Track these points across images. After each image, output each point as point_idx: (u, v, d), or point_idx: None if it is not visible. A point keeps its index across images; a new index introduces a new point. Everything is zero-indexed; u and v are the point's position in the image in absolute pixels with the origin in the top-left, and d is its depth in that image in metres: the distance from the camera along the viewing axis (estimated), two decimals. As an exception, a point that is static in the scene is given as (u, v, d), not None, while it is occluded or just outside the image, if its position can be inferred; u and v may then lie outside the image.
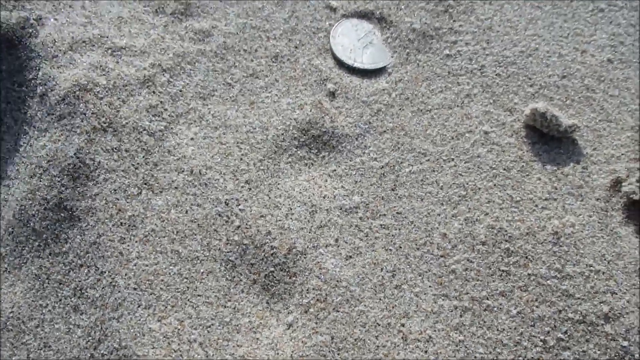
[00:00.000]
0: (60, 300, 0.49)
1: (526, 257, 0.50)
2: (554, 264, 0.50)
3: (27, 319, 0.49)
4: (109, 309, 0.47)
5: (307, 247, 0.50)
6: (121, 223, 0.50)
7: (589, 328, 0.48)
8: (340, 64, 0.62)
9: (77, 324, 0.48)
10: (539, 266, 0.50)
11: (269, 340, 0.47)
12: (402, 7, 0.66)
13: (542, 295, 0.49)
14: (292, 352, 0.47)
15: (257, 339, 0.47)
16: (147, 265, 0.48)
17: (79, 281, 0.49)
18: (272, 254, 0.49)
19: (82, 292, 0.49)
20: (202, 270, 0.49)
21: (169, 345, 0.46)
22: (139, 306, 0.47)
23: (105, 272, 0.49)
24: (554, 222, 0.51)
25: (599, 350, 0.47)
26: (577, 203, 0.53)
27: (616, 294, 0.49)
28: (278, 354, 0.47)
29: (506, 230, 0.51)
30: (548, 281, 0.49)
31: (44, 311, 0.50)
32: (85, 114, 0.53)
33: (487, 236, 0.51)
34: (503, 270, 0.50)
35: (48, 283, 0.50)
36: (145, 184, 0.52)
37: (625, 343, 0.48)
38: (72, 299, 0.49)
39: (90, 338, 0.47)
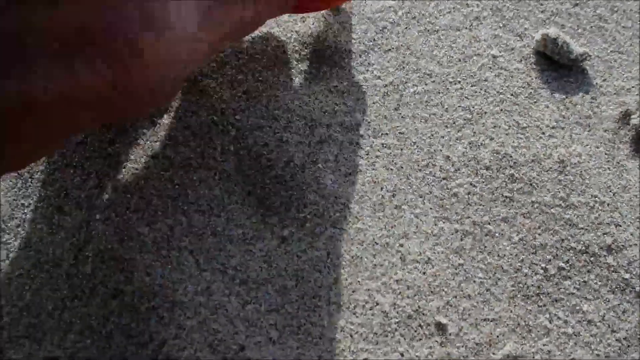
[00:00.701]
0: (43, 200, 0.47)
1: (530, 184, 0.48)
2: (558, 192, 0.48)
3: (7, 218, 0.47)
4: (95, 211, 0.44)
5: (306, 161, 0.48)
6: (111, 124, 0.48)
7: (591, 259, 0.47)
8: (345, -22, 0.59)
9: (61, 224, 0.45)
10: (543, 194, 0.48)
11: (263, 253, 0.45)
12: None
13: (545, 224, 0.47)
14: (287, 265, 0.45)
15: (251, 251, 0.45)
16: (137, 170, 0.46)
17: (64, 181, 0.47)
18: (268, 167, 0.47)
19: (67, 193, 0.46)
20: (194, 178, 0.46)
21: (158, 251, 0.44)
22: (127, 209, 0.44)
23: (92, 174, 0.46)
24: (560, 150, 0.50)
25: (600, 281, 0.46)
26: (584, 133, 0.51)
27: (620, 226, 0.48)
28: (272, 267, 0.45)
29: (511, 156, 0.49)
30: (552, 209, 0.48)
31: (25, 211, 0.47)
32: None
33: (492, 161, 0.49)
34: (506, 196, 0.48)
35: (31, 182, 0.47)
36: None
37: (627, 275, 0.47)
38: (56, 199, 0.46)
39: (74, 239, 0.44)
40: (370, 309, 0.45)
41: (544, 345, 0.45)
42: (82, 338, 0.43)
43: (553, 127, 0.50)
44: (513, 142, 0.49)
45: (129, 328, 0.43)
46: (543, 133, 0.50)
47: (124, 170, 0.45)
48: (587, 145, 0.50)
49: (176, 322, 0.42)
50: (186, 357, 0.42)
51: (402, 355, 0.44)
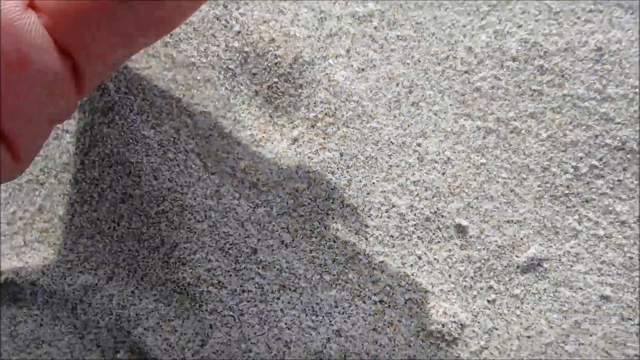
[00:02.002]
0: (45, 104, 0.46)
1: (562, 76, 0.44)
2: (593, 84, 0.44)
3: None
4: (98, 114, 0.43)
5: (315, 57, 0.44)
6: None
7: (628, 156, 0.43)
8: None
9: (65, 129, 0.45)
10: (577, 86, 0.44)
11: (272, 154, 0.43)
12: None
13: (578, 118, 0.44)
14: (298, 167, 0.43)
15: (260, 152, 0.43)
16: (138, 69, 0.44)
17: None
18: (275, 64, 0.44)
19: (68, 96, 0.45)
20: (198, 78, 0.44)
21: (165, 154, 0.42)
22: (130, 111, 0.43)
23: (93, 76, 0.45)
24: (597, 37, 0.45)
25: (636, 180, 0.43)
26: (625, 17, 0.46)
27: (661, 119, 0.43)
28: (282, 169, 0.43)
29: (541, 45, 0.45)
30: (585, 103, 0.44)
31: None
32: None
33: (519, 51, 0.45)
34: (535, 90, 0.44)
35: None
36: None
37: (666, 172, 0.43)
38: (58, 103, 0.45)
39: (79, 144, 0.44)
40: (386, 212, 0.43)
41: (571, 247, 0.43)
42: (94, 242, 0.43)
43: (590, 11, 0.45)
44: (544, 29, 0.44)
45: (139, 232, 0.42)
46: (578, 18, 0.45)
47: (124, 70, 0.43)
48: (629, 30, 0.44)
49: (186, 225, 0.41)
50: (198, 260, 0.41)
51: (419, 258, 0.43)
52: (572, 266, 0.42)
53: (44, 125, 0.31)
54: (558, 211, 0.42)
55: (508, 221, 0.42)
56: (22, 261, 0.42)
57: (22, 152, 0.30)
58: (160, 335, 0.41)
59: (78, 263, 0.42)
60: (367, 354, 0.41)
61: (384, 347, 0.41)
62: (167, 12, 0.30)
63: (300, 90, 0.43)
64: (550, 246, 0.42)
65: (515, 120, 0.43)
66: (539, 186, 0.42)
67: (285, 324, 0.41)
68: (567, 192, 0.42)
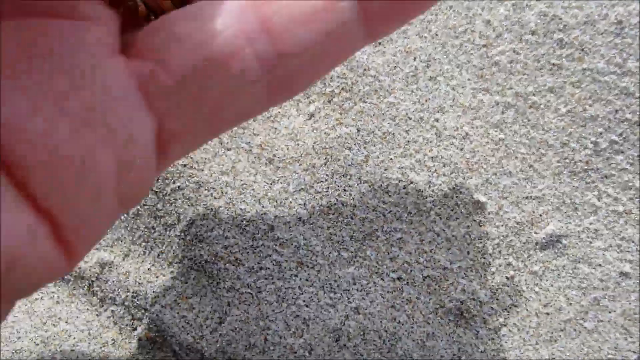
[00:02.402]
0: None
1: (582, 50, 0.44)
2: (614, 57, 0.43)
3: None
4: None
5: (333, 31, 0.44)
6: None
7: (648, 129, 0.42)
8: None
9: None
10: (597, 60, 0.43)
11: (289, 130, 0.43)
12: None
13: (597, 93, 0.43)
14: (314, 143, 0.42)
15: (276, 128, 0.43)
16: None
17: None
18: (292, 39, 0.44)
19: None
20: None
21: (179, 131, 0.42)
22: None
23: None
24: (618, 9, 0.44)
25: (655, 153, 0.42)
26: (647, -10, 0.45)
27: (683, 92, 0.43)
28: (298, 145, 0.42)
29: (561, 18, 0.44)
30: (605, 77, 0.43)
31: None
32: None
33: (538, 25, 0.44)
34: (554, 64, 0.44)
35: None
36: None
37: (687, 146, 0.42)
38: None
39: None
40: (404, 188, 0.42)
41: (590, 224, 0.42)
42: (110, 220, 0.43)
43: (610, -15, 0.44)
44: (563, 2, 0.44)
45: (155, 209, 0.42)
46: (599, -9, 0.44)
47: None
48: (650, 3, 0.44)
49: (203, 202, 0.41)
50: (215, 237, 0.41)
51: (437, 235, 0.42)
52: (591, 242, 0.42)
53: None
54: (577, 187, 0.42)
55: (527, 197, 0.42)
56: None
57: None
58: (177, 313, 0.41)
59: (94, 240, 0.42)
60: (386, 331, 0.40)
61: (402, 324, 0.41)
62: None
63: (316, 65, 0.42)
64: (569, 222, 0.42)
65: (534, 94, 0.42)
66: (558, 162, 0.42)
67: (303, 301, 0.41)
68: (586, 167, 0.42)
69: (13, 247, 0.20)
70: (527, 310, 0.41)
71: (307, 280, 0.41)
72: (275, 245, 0.41)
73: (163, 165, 0.25)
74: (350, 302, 0.41)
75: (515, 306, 0.42)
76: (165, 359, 0.41)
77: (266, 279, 0.41)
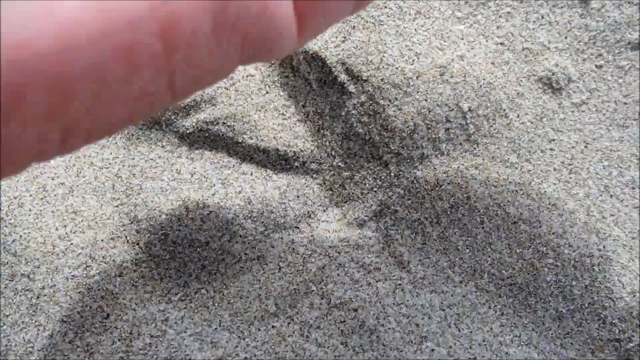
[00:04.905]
0: None
1: None
2: None
3: None
4: None
5: None
6: None
7: None
8: None
9: None
10: None
11: None
12: None
13: None
14: None
15: None
16: None
17: None
18: None
19: None
20: None
21: None
22: None
23: None
24: None
25: None
26: None
27: None
28: None
29: None
30: None
31: None
32: None
33: None
34: None
35: None
36: None
37: None
38: None
39: None
40: None
41: None
42: None
43: None
44: None
45: None
46: None
47: None
48: None
49: None
50: None
51: (542, 17, 0.46)
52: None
53: None
54: (675, 1, 0.46)
55: (629, 2, 0.46)
56: None
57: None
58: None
59: None
60: (484, 79, 0.45)
61: (498, 78, 0.46)
62: None
63: None
64: (661, 31, 0.46)
65: None
66: (665, -27, 0.46)
67: (417, 40, 0.46)
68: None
69: None
70: (607, 96, 0.46)
71: (422, 26, 0.46)
72: (403, -12, 0.46)
73: None
74: (457, 51, 0.46)
75: (598, 91, 0.46)
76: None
77: (388, 16, 0.46)
